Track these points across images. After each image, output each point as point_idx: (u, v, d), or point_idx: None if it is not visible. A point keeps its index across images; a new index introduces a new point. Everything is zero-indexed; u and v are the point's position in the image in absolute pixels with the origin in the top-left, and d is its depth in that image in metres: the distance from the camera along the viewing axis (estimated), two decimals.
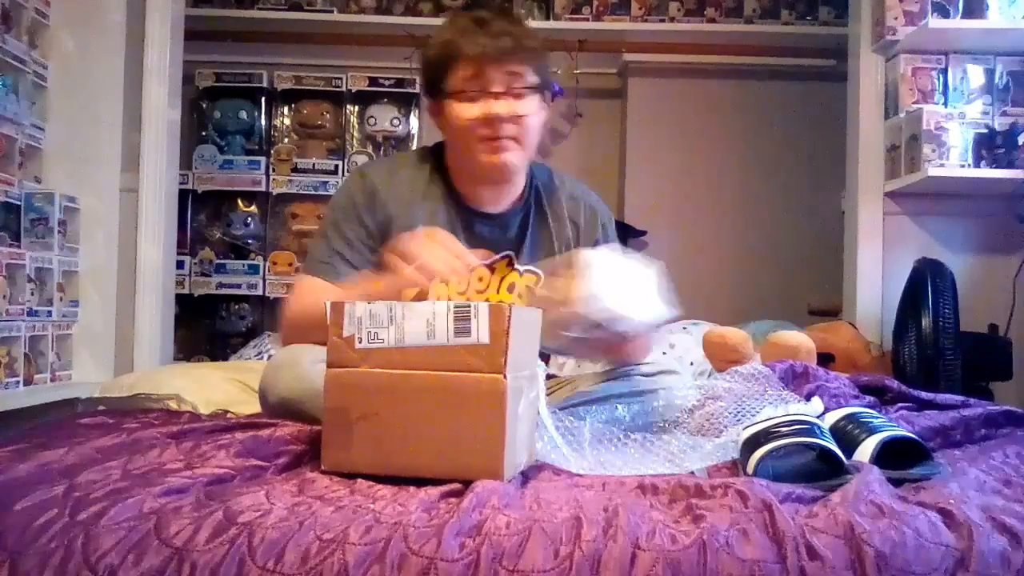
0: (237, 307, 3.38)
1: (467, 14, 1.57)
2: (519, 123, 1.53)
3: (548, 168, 1.73)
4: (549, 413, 1.28)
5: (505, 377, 1.07)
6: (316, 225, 2.95)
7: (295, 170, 3.35)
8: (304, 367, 1.37)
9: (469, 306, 1.09)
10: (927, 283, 2.24)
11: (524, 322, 1.15)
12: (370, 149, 3.43)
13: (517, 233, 1.63)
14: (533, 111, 1.55)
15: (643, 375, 1.57)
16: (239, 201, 3.39)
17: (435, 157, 1.65)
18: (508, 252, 1.60)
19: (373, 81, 3.41)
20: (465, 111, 1.52)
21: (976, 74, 2.55)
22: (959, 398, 1.61)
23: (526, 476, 1.15)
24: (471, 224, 1.60)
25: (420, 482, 1.07)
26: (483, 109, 1.51)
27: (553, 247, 1.64)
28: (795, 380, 1.63)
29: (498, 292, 1.59)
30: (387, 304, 1.11)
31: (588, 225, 1.68)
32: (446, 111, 1.55)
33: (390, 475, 1.08)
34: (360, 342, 1.11)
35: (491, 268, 1.58)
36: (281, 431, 1.24)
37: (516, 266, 1.60)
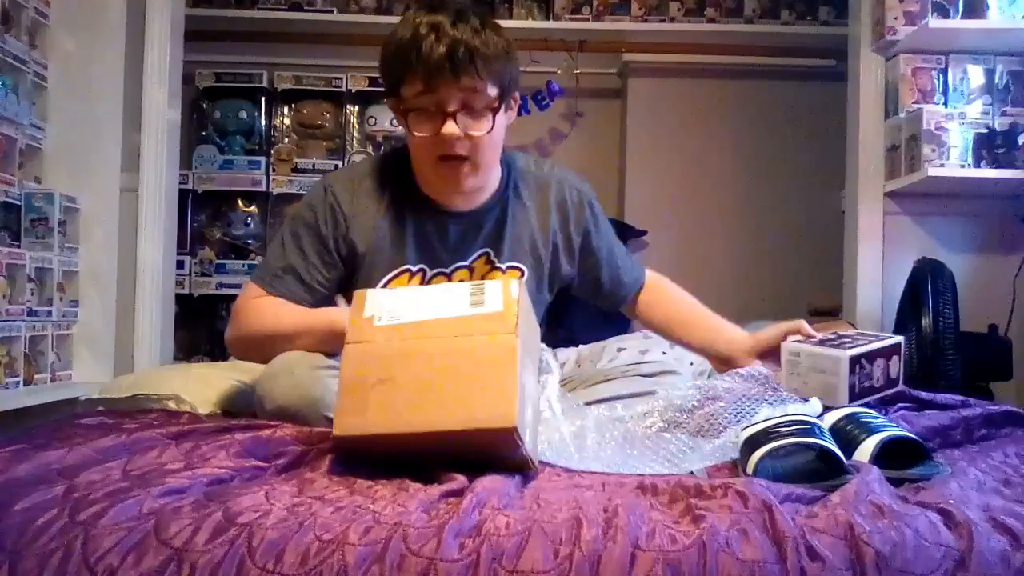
0: None
1: (427, 12, 1.39)
2: (474, 143, 1.42)
3: (527, 156, 1.66)
4: (560, 407, 1.29)
5: (517, 336, 1.10)
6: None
7: (295, 170, 3.35)
8: (301, 375, 1.37)
9: (484, 283, 1.17)
10: (927, 283, 2.25)
11: (528, 307, 1.20)
12: (370, 149, 3.43)
13: (493, 228, 1.55)
14: (489, 128, 1.43)
15: (643, 375, 1.57)
16: (239, 201, 3.39)
17: (399, 160, 1.56)
18: (485, 250, 1.55)
19: (373, 81, 3.40)
20: (415, 128, 1.42)
21: (976, 74, 2.55)
22: (959, 398, 1.61)
23: (526, 476, 1.14)
24: (442, 225, 1.53)
25: (424, 480, 1.06)
26: (434, 128, 1.40)
27: (536, 238, 1.59)
28: None
29: None
30: (409, 290, 1.18)
31: (576, 213, 1.63)
32: (405, 122, 1.45)
33: (403, 433, 1.08)
34: (379, 320, 1.14)
35: (470, 268, 1.55)
36: (281, 432, 1.24)
37: (496, 263, 1.56)
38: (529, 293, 1.59)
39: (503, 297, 1.14)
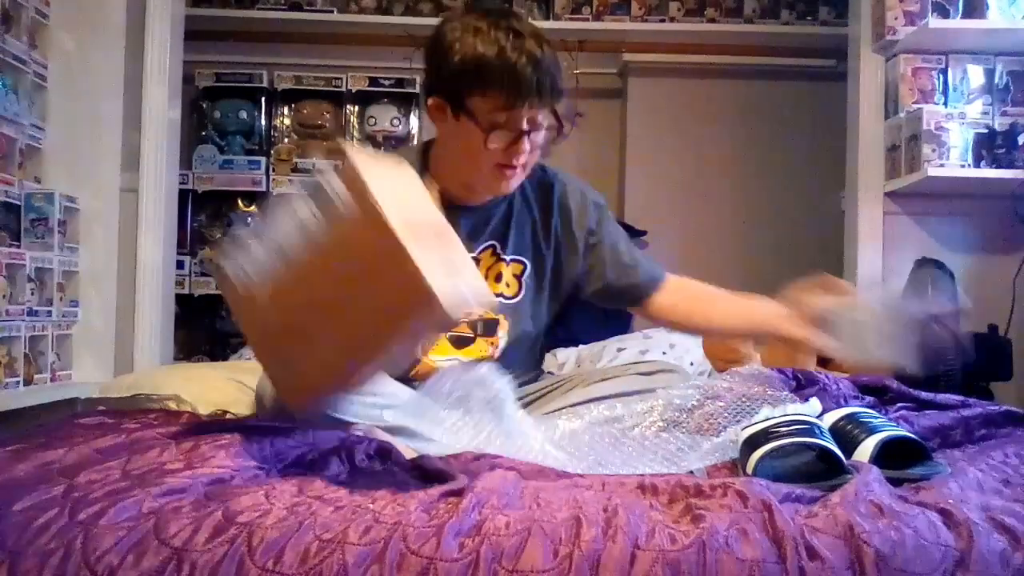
0: None
1: (504, 31, 1.42)
2: (532, 156, 1.50)
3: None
4: (528, 420, 1.29)
5: (380, 209, 1.03)
6: None
7: (295, 170, 3.35)
8: None
9: (319, 182, 1.08)
10: (927, 283, 2.24)
11: (392, 175, 1.14)
12: (370, 149, 3.43)
13: (500, 223, 1.60)
14: (545, 140, 1.50)
15: (642, 374, 1.57)
16: (239, 201, 3.39)
17: (414, 155, 1.60)
18: (492, 242, 1.59)
19: (373, 81, 3.41)
20: (487, 140, 1.45)
21: (976, 74, 2.55)
22: (959, 398, 1.61)
23: (526, 476, 1.14)
24: (453, 217, 1.52)
25: (424, 480, 1.07)
26: (507, 142, 1.45)
27: (538, 235, 1.62)
28: (793, 391, 1.63)
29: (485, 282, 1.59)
30: (249, 226, 1.10)
31: (580, 214, 1.64)
32: (461, 126, 1.46)
33: (347, 372, 1.06)
34: (245, 276, 1.09)
35: (476, 259, 1.57)
36: (281, 431, 1.24)
37: (502, 255, 1.59)
38: (530, 290, 1.60)
39: (347, 187, 1.05)
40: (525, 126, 1.45)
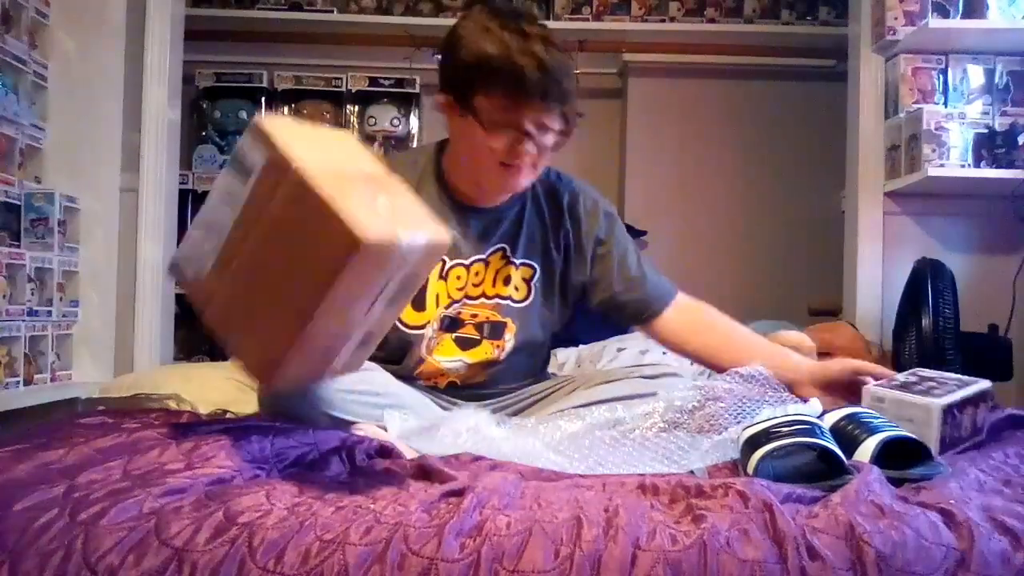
0: None
1: (514, 32, 1.42)
2: (540, 157, 1.49)
3: (548, 166, 1.70)
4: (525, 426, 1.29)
5: (289, 157, 1.01)
6: None
7: None
8: None
9: (237, 151, 1.08)
10: (927, 283, 2.24)
11: (313, 134, 1.14)
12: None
13: (511, 226, 1.60)
14: (554, 146, 1.50)
15: (644, 377, 1.57)
16: None
17: (431, 154, 1.62)
18: (502, 245, 1.59)
19: (373, 81, 3.41)
20: (491, 140, 1.45)
21: (976, 74, 2.55)
22: None
23: (527, 477, 1.14)
24: (465, 219, 1.57)
25: (424, 480, 1.06)
26: (510, 143, 1.45)
27: (548, 240, 1.62)
28: None
29: (494, 285, 1.59)
30: (196, 223, 1.11)
31: (589, 215, 1.64)
32: (467, 125, 1.47)
33: (301, 333, 1.04)
34: (190, 264, 1.10)
35: (486, 262, 1.58)
36: (281, 431, 1.24)
37: (511, 258, 1.59)
38: (539, 294, 1.60)
39: (262, 151, 1.04)
40: (529, 127, 1.44)
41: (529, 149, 1.46)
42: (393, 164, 1.63)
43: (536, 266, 1.61)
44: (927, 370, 1.50)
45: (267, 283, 1.06)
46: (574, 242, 1.63)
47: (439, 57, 1.55)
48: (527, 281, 1.61)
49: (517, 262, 1.59)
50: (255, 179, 1.05)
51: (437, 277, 1.55)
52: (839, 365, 1.53)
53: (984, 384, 1.41)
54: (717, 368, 1.65)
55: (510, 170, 1.48)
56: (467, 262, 1.57)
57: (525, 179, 1.52)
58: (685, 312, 1.66)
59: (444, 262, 1.55)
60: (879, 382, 1.45)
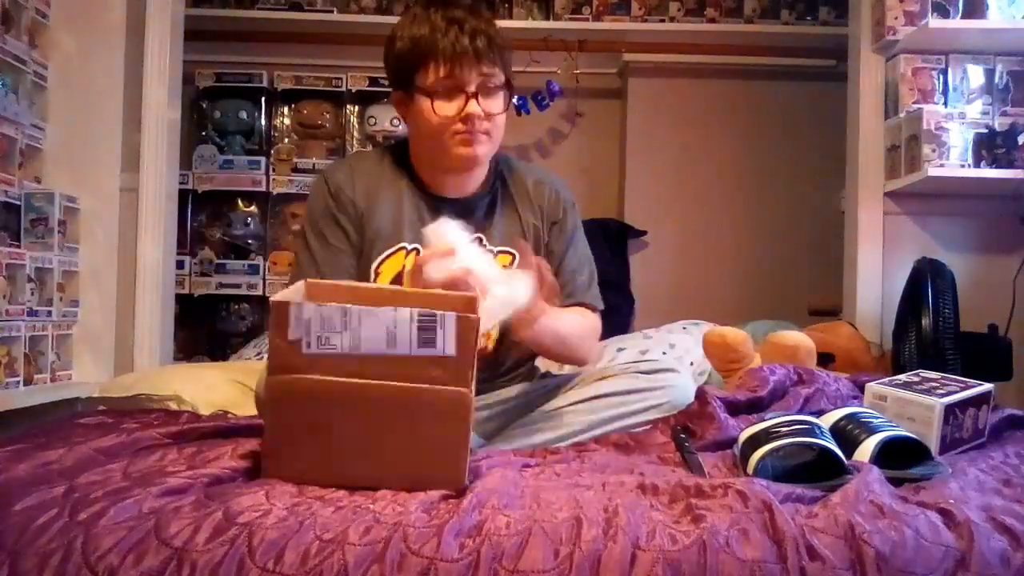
0: (237, 307, 3.38)
1: (438, 10, 1.56)
2: (491, 120, 1.56)
3: (511, 157, 1.75)
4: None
5: (470, 390, 1.03)
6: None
7: (295, 170, 3.35)
8: None
9: (435, 315, 1.02)
10: (927, 283, 2.24)
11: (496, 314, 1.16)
12: (370, 149, 3.43)
13: (484, 217, 1.64)
14: (503, 108, 1.58)
15: (641, 372, 1.57)
16: (239, 201, 3.39)
17: (396, 151, 1.68)
18: (477, 235, 1.59)
19: (373, 81, 3.40)
20: (440, 109, 1.53)
21: (976, 74, 2.55)
22: None
23: (526, 477, 1.14)
24: (437, 210, 1.59)
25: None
26: (458, 108, 1.53)
27: (520, 229, 1.65)
28: (794, 384, 1.63)
29: None
30: (341, 307, 1.02)
31: (550, 206, 1.68)
32: (417, 105, 1.56)
33: (342, 485, 1.03)
34: (308, 347, 1.02)
35: None
36: None
37: (489, 247, 1.61)
38: None
39: (457, 338, 1.02)
40: (471, 88, 1.53)
41: (474, 108, 1.52)
42: (358, 159, 1.66)
43: (514, 252, 1.63)
44: (929, 372, 1.51)
45: (353, 430, 1.05)
46: (542, 228, 1.67)
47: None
48: (506, 268, 1.61)
49: (495, 250, 1.61)
50: (428, 361, 1.03)
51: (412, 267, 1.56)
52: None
53: (986, 386, 1.41)
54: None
55: (466, 139, 1.54)
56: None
57: (482, 147, 1.57)
58: None
59: (419, 251, 1.56)
60: (880, 380, 1.45)
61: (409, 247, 1.59)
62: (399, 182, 1.63)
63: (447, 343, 1.03)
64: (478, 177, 1.64)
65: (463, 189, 1.63)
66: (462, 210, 1.60)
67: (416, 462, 1.03)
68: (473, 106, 1.53)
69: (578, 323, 1.60)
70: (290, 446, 1.05)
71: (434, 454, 1.03)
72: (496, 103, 1.57)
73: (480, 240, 1.60)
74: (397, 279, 1.56)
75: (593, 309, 1.66)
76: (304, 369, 1.03)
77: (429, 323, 1.03)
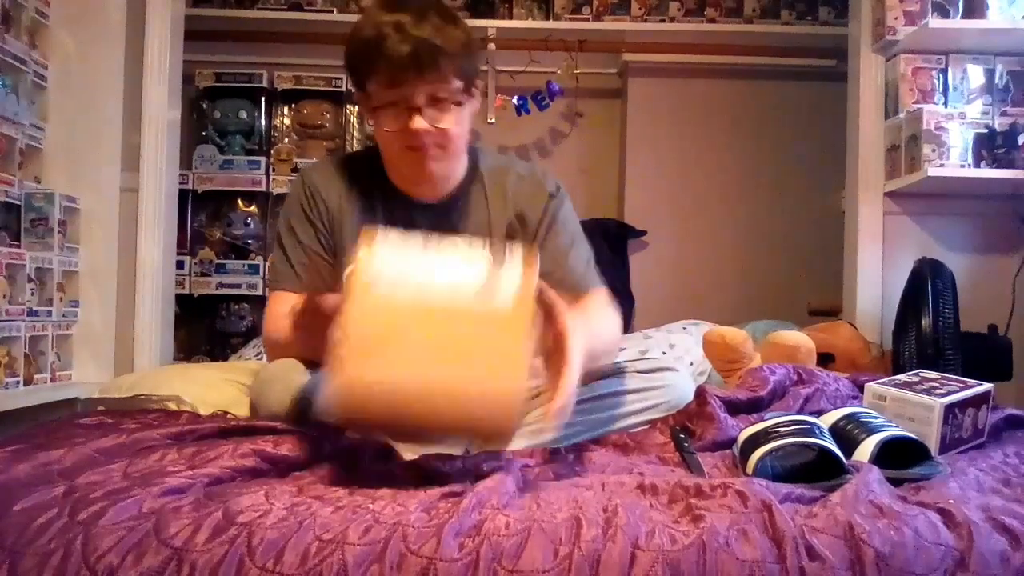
0: (237, 307, 3.38)
1: (388, 10, 1.43)
2: (442, 135, 1.46)
3: (492, 150, 1.69)
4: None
5: (523, 348, 1.05)
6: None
7: (295, 170, 3.34)
8: (294, 381, 1.37)
9: (499, 275, 1.09)
10: (927, 283, 2.24)
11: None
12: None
13: (459, 217, 1.60)
14: (456, 122, 1.48)
15: (640, 372, 1.57)
16: (239, 201, 3.39)
17: (371, 152, 1.63)
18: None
19: None
20: (384, 121, 1.45)
21: (976, 74, 2.55)
22: None
23: (525, 477, 1.14)
24: (409, 214, 1.57)
25: (423, 480, 1.06)
26: (401, 123, 1.44)
27: (492, 227, 1.60)
28: (794, 384, 1.63)
29: None
30: (410, 263, 1.09)
31: (531, 201, 1.61)
32: (369, 113, 1.49)
33: (406, 393, 1.04)
34: (379, 287, 1.08)
35: None
36: (281, 432, 1.25)
37: None
38: None
39: (517, 294, 1.07)
40: (419, 102, 1.42)
41: (419, 124, 1.43)
42: (337, 162, 1.64)
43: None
44: (929, 371, 1.51)
45: (424, 337, 1.07)
46: (518, 226, 1.61)
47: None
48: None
49: None
50: (489, 309, 1.07)
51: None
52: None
53: (985, 386, 1.41)
54: None
55: (416, 154, 1.47)
56: None
57: (435, 162, 1.49)
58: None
59: None
60: (880, 380, 1.45)
61: None
62: (373, 186, 1.59)
63: (504, 296, 1.07)
64: (451, 180, 1.59)
65: (437, 192, 1.58)
66: (436, 214, 1.58)
67: (478, 373, 1.06)
68: (417, 122, 1.43)
69: (603, 319, 1.51)
70: (362, 357, 1.06)
71: (496, 370, 1.05)
72: (448, 117, 1.45)
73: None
74: None
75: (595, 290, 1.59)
76: (379, 295, 1.07)
77: (492, 284, 1.08)
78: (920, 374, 1.48)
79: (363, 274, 1.09)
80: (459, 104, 1.47)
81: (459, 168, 1.59)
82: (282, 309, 1.48)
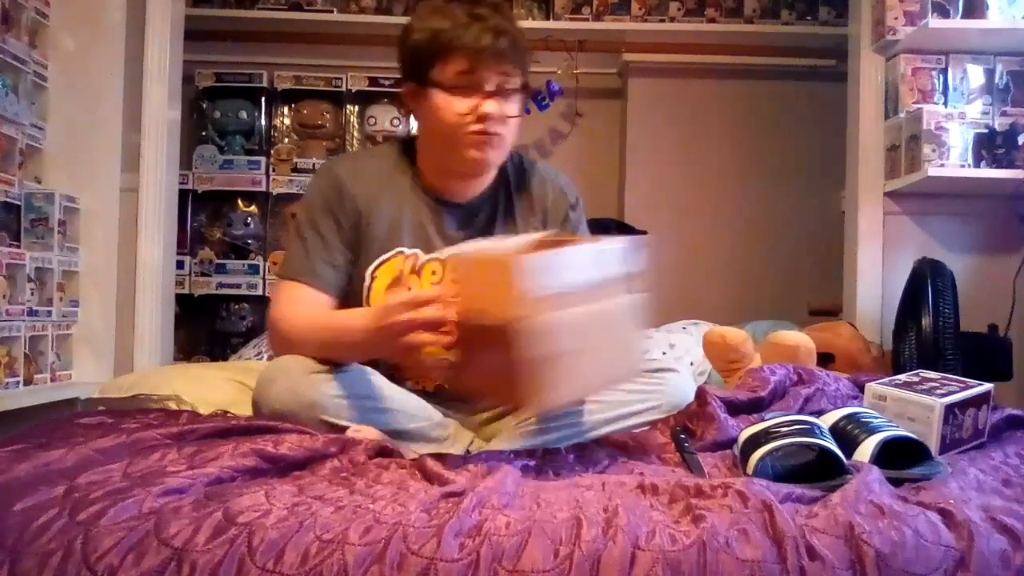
0: (237, 307, 3.38)
1: (462, 4, 1.50)
2: (506, 123, 1.52)
3: (521, 155, 1.71)
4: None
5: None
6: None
7: (295, 170, 3.35)
8: (297, 379, 1.37)
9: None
10: (927, 283, 2.24)
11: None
12: (379, 145, 3.42)
13: (485, 221, 1.61)
14: (519, 112, 1.55)
15: (641, 372, 1.57)
16: (239, 201, 3.39)
17: (403, 149, 1.64)
18: (478, 238, 1.57)
19: (373, 81, 3.41)
20: (455, 104, 1.49)
21: (976, 74, 2.55)
22: None
23: (526, 477, 1.14)
24: (439, 213, 1.58)
25: (424, 480, 1.06)
26: (474, 105, 1.49)
27: (520, 230, 1.61)
28: (794, 384, 1.63)
29: None
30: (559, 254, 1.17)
31: (554, 207, 1.66)
32: (430, 100, 1.51)
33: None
34: (534, 293, 1.12)
35: None
36: (281, 432, 1.25)
37: None
38: None
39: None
40: (489, 87, 1.49)
41: (491, 108, 1.49)
42: (365, 156, 1.65)
43: None
44: (930, 372, 1.50)
45: (586, 344, 1.20)
46: (547, 227, 1.63)
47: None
48: None
49: None
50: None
51: (410, 271, 1.56)
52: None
53: (985, 386, 1.41)
54: None
55: (479, 138, 1.51)
56: (443, 256, 1.57)
57: (492, 149, 1.53)
58: None
59: (418, 257, 1.57)
60: (880, 380, 1.45)
61: (408, 251, 1.57)
62: (402, 183, 1.60)
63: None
64: (485, 181, 1.61)
65: (467, 194, 1.60)
66: (464, 214, 1.60)
67: (621, 358, 1.25)
68: (490, 105, 1.49)
69: None
70: (541, 378, 1.13)
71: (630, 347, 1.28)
72: (513, 106, 1.53)
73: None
74: (394, 284, 1.54)
75: None
76: (533, 313, 1.12)
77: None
78: (920, 374, 1.48)
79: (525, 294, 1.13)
80: (522, 95, 1.55)
81: (493, 171, 1.62)
82: (301, 295, 1.51)
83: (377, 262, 1.56)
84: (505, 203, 1.63)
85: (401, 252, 1.56)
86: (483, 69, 1.48)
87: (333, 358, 1.42)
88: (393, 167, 1.61)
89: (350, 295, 1.56)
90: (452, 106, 1.49)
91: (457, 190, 1.60)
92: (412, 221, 1.57)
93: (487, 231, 1.60)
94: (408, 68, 1.55)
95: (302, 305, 1.50)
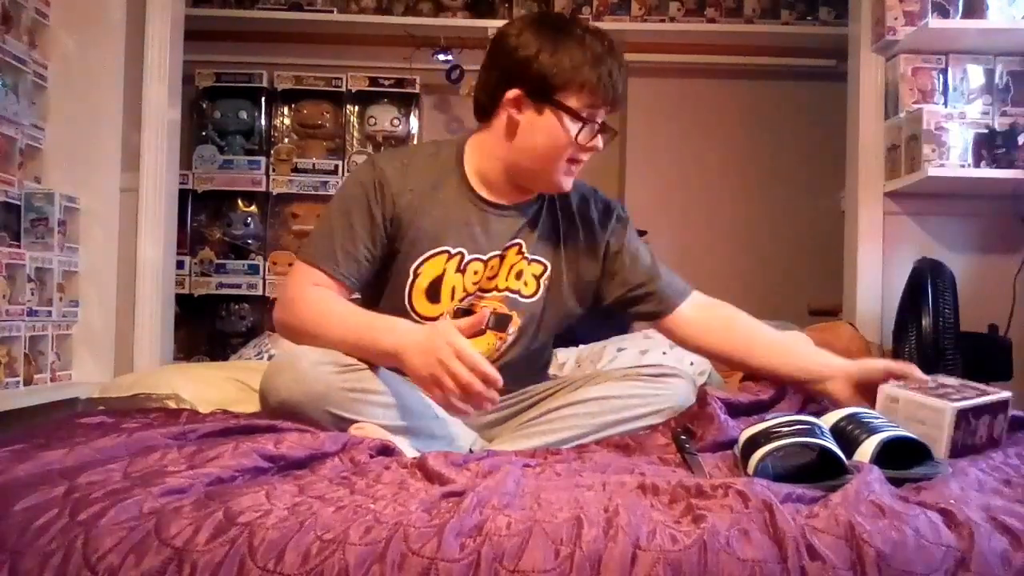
0: (237, 307, 3.38)
1: (595, 37, 1.55)
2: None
3: None
4: None
5: None
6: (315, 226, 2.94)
7: (295, 170, 3.35)
8: (305, 371, 1.37)
9: None
10: (927, 283, 2.24)
11: None
12: (370, 149, 3.43)
13: (528, 224, 1.63)
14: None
15: (646, 377, 1.57)
16: (239, 201, 3.39)
17: (451, 150, 1.65)
18: (518, 240, 1.62)
19: (373, 81, 3.41)
20: (573, 131, 1.54)
21: (976, 74, 2.55)
22: None
23: (527, 477, 1.14)
24: (485, 216, 1.60)
25: (424, 480, 1.06)
26: (591, 137, 1.56)
27: (560, 239, 1.65)
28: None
29: (506, 279, 1.61)
30: None
31: (600, 215, 1.69)
32: (546, 118, 1.54)
33: None
34: None
35: (501, 256, 1.61)
36: (282, 431, 1.25)
37: (525, 254, 1.62)
38: (547, 291, 1.64)
39: None
40: (600, 120, 1.58)
41: (600, 144, 1.58)
42: (411, 154, 1.69)
43: (547, 263, 1.64)
44: (949, 377, 1.49)
45: None
46: (585, 242, 1.67)
47: (485, 59, 1.62)
48: (537, 277, 1.63)
49: (529, 258, 1.62)
50: None
51: (455, 270, 1.57)
52: (878, 365, 1.54)
53: (1004, 395, 1.38)
54: (744, 367, 1.74)
55: (572, 170, 1.59)
56: (485, 257, 1.59)
57: (574, 180, 1.62)
58: (701, 310, 1.70)
59: (463, 255, 1.58)
60: (896, 383, 1.44)
61: (452, 251, 1.57)
62: (450, 183, 1.61)
63: None
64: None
65: (515, 198, 1.63)
66: (509, 216, 1.62)
67: None
68: (600, 141, 1.57)
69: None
70: None
71: None
72: (604, 139, 1.61)
73: (519, 247, 1.62)
74: (436, 281, 1.56)
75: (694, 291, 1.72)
76: None
77: None
78: (938, 379, 1.46)
79: None
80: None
81: None
82: (318, 281, 1.51)
83: (422, 258, 1.57)
84: (548, 208, 1.66)
85: (446, 251, 1.57)
86: (604, 106, 1.57)
87: (351, 355, 1.42)
88: (441, 167, 1.62)
89: (387, 289, 1.58)
90: (571, 132, 1.54)
91: (505, 195, 1.62)
92: (457, 222, 1.58)
93: (529, 233, 1.63)
94: (526, 81, 1.54)
95: (320, 291, 1.51)
